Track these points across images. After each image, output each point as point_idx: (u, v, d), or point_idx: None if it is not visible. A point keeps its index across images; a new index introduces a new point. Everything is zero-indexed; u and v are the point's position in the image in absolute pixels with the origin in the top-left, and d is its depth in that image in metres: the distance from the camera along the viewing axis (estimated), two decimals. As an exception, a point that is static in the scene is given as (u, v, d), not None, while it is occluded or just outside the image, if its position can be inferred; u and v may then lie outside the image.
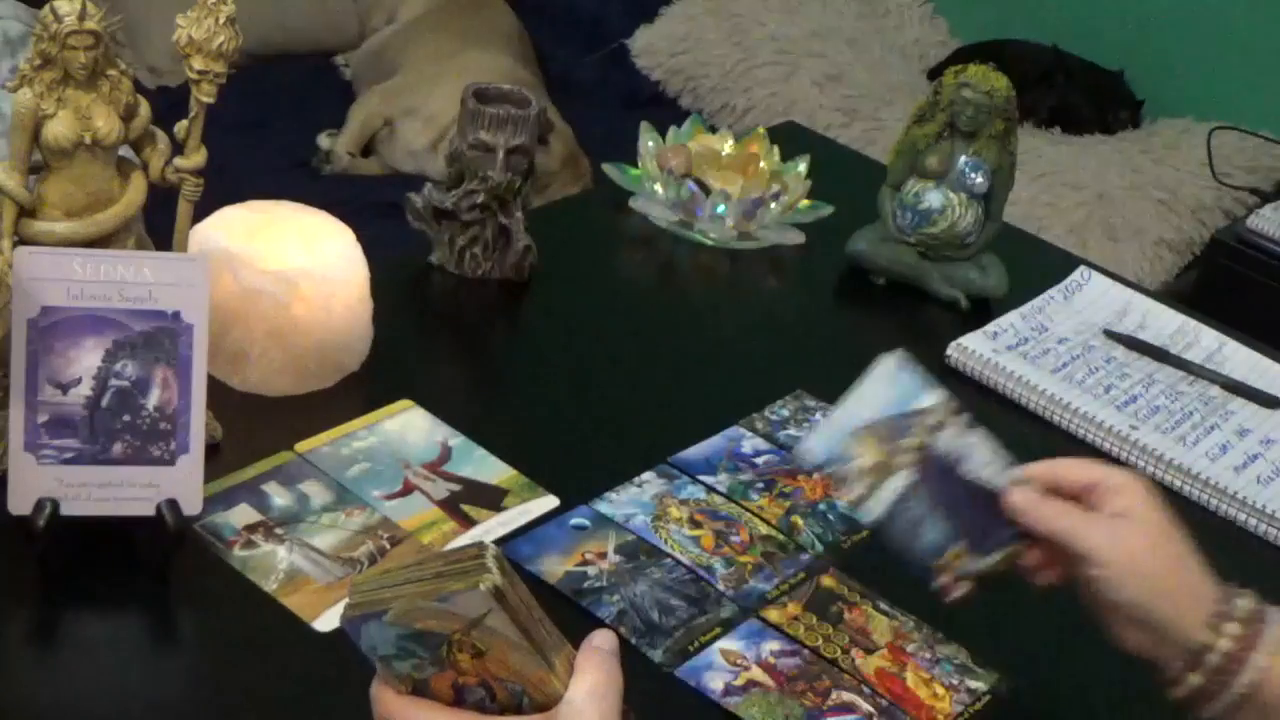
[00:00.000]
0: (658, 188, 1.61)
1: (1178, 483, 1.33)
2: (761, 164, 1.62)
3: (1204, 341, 1.54)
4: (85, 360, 0.99)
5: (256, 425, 1.18)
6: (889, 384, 1.00)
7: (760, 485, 1.23)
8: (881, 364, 1.00)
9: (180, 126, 1.05)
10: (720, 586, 1.12)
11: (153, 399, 1.01)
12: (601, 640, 0.82)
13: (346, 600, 0.81)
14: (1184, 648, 0.91)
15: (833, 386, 1.37)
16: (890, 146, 1.57)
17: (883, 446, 0.98)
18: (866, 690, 1.05)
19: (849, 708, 1.03)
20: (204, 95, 1.03)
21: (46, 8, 0.99)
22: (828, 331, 1.55)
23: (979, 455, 0.99)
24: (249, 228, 1.22)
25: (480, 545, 0.79)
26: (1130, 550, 0.92)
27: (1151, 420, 1.38)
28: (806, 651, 1.07)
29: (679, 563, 1.13)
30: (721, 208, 1.57)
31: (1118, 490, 0.95)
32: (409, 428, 1.22)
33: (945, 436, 0.99)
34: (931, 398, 0.99)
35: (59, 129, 1.00)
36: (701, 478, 1.22)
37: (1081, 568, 0.94)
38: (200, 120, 1.04)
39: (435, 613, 0.77)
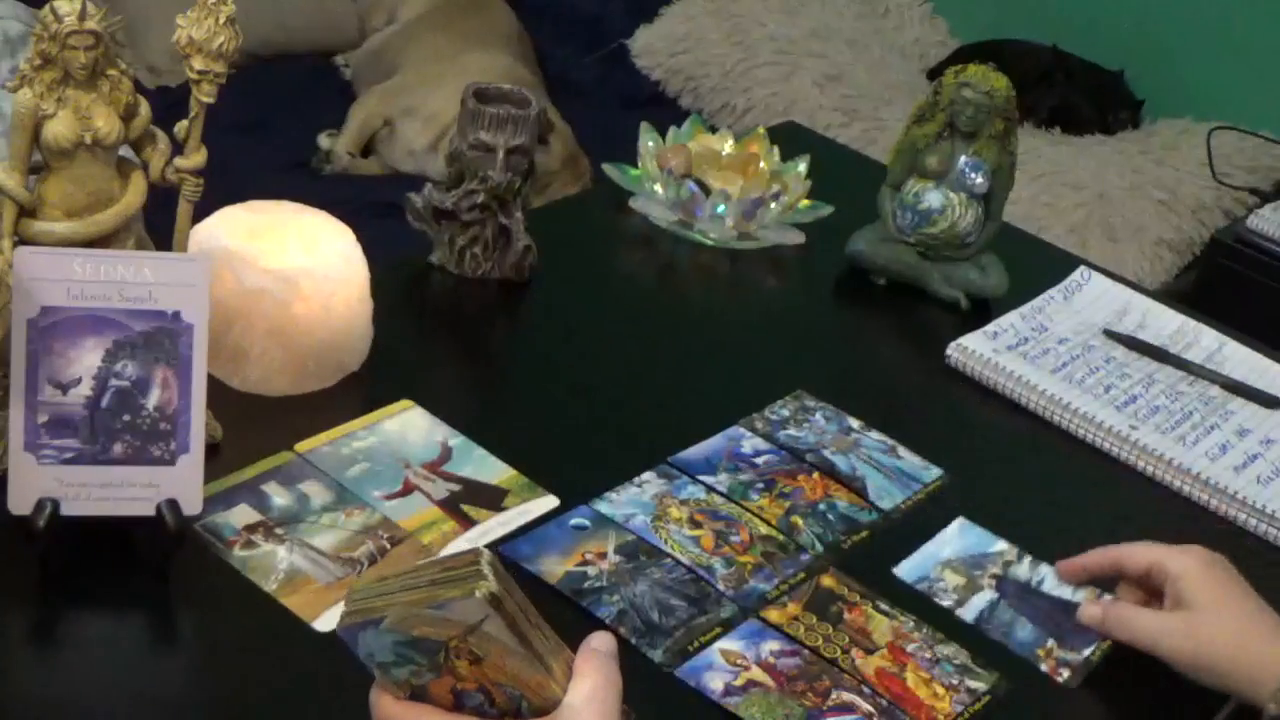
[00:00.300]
0: (658, 188, 1.61)
1: (1177, 483, 1.33)
2: (761, 164, 1.62)
3: (1204, 341, 1.54)
4: (85, 360, 0.99)
5: (256, 425, 1.18)
6: (961, 535, 1.21)
7: (760, 485, 1.23)
8: (954, 523, 1.22)
9: (180, 126, 1.05)
10: (720, 586, 1.12)
11: (153, 399, 1.01)
12: (599, 642, 0.82)
13: (343, 608, 0.81)
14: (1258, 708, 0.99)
15: (833, 386, 1.37)
16: (890, 146, 1.57)
17: (967, 572, 1.17)
18: (866, 690, 1.05)
19: (849, 708, 1.03)
20: (204, 95, 1.03)
21: (46, 8, 0.99)
22: (828, 331, 1.55)
23: (1051, 579, 1.17)
24: (249, 228, 1.22)
25: (476, 551, 0.78)
26: (1196, 645, 1.01)
27: (1151, 420, 1.38)
28: (806, 651, 1.07)
29: (679, 563, 1.13)
30: (721, 208, 1.57)
31: (1178, 576, 1.04)
32: (409, 428, 1.22)
33: (1018, 568, 1.18)
34: (1002, 544, 1.21)
35: (59, 129, 1.00)
36: (701, 478, 1.22)
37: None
38: (200, 120, 1.04)
39: (432, 620, 0.77)
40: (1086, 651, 1.11)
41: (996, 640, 1.12)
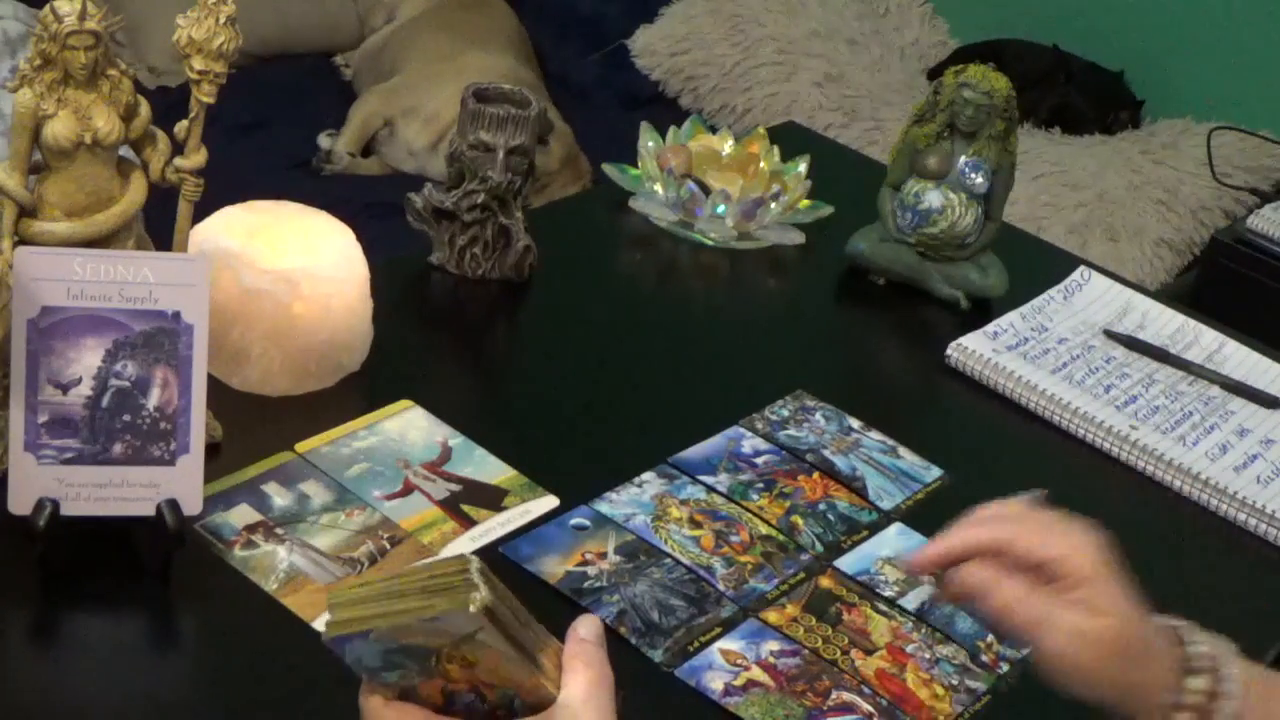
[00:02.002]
0: (658, 188, 1.61)
1: (1178, 483, 1.33)
2: (761, 164, 1.62)
3: (1204, 341, 1.54)
4: (85, 360, 0.99)
5: (256, 425, 1.18)
6: (899, 538, 1.18)
7: (760, 485, 1.23)
8: (892, 527, 1.20)
9: (180, 126, 1.05)
10: (720, 586, 1.12)
11: (153, 399, 1.01)
12: (586, 630, 0.80)
13: (326, 616, 0.80)
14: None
15: (833, 386, 1.37)
16: (890, 146, 1.57)
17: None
18: (866, 690, 1.05)
19: (849, 708, 1.03)
20: (204, 95, 1.03)
21: (46, 8, 0.99)
22: (828, 331, 1.55)
23: None
24: (249, 228, 1.22)
25: (463, 558, 0.77)
26: (1088, 659, 0.86)
27: (1151, 420, 1.38)
28: (806, 652, 1.07)
29: (679, 563, 1.13)
30: (721, 208, 1.57)
31: (1078, 582, 0.87)
32: (409, 428, 1.22)
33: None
34: None
35: (59, 129, 1.00)
36: (701, 478, 1.22)
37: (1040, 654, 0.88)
38: (200, 120, 1.04)
39: (423, 630, 0.77)
40: (1025, 651, 1.07)
41: (939, 629, 1.11)
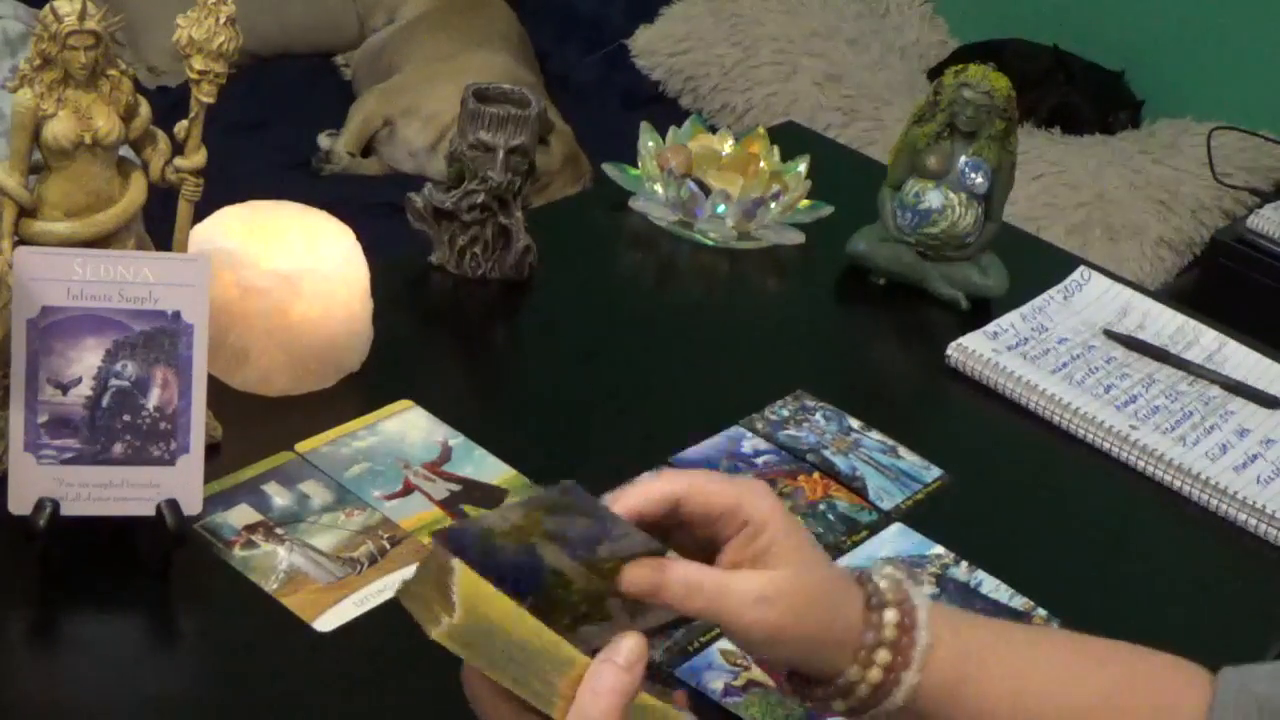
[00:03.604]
0: (658, 188, 1.61)
1: (1178, 483, 1.33)
2: (761, 164, 1.62)
3: (1204, 341, 1.54)
4: (85, 360, 0.99)
5: (256, 425, 1.18)
6: (899, 538, 1.19)
7: (760, 485, 1.22)
8: (892, 527, 1.19)
9: (180, 126, 1.05)
10: (720, 586, 1.11)
11: (153, 399, 1.01)
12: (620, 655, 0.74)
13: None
14: (834, 683, 0.81)
15: (833, 386, 1.37)
16: (890, 146, 1.57)
17: (907, 570, 1.16)
18: (866, 690, 1.05)
19: (849, 708, 1.03)
20: (204, 95, 1.03)
21: (46, 8, 0.99)
22: (828, 331, 1.55)
23: (989, 581, 1.16)
24: (249, 228, 1.22)
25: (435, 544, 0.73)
26: (777, 616, 0.78)
27: (1151, 420, 1.38)
28: (806, 651, 1.07)
29: (679, 563, 1.13)
30: (721, 208, 1.57)
31: (760, 527, 0.79)
32: (409, 428, 1.22)
33: (956, 570, 1.16)
34: (938, 548, 1.18)
35: (59, 129, 1.00)
36: (701, 478, 1.22)
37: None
38: (200, 120, 1.04)
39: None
40: None
41: None
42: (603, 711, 0.71)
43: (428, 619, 0.71)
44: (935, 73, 3.02)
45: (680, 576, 0.78)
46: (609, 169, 1.65)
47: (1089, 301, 1.58)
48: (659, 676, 0.94)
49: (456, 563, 0.71)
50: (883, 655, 0.80)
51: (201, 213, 1.15)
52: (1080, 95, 3.10)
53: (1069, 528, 1.27)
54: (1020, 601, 1.14)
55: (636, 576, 0.78)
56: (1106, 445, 1.36)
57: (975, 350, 1.44)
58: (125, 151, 1.06)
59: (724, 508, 0.80)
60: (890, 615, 0.81)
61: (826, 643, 0.80)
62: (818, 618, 0.79)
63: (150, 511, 1.01)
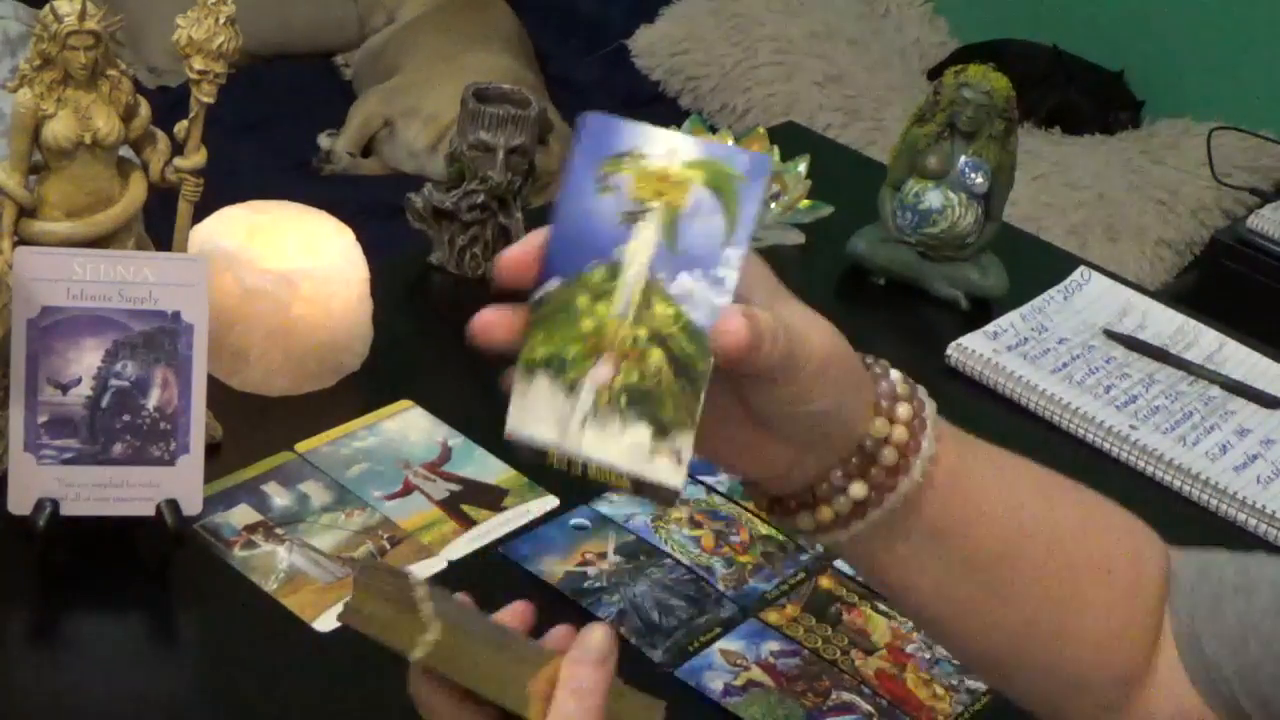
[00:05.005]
0: (658, 188, 1.61)
1: (1178, 483, 1.33)
2: (761, 164, 1.62)
3: (1204, 341, 1.54)
4: (85, 360, 0.99)
5: (256, 425, 1.18)
6: None
7: (760, 485, 1.23)
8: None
9: (180, 126, 1.05)
10: (720, 587, 1.12)
11: (153, 399, 1.01)
12: (585, 649, 0.71)
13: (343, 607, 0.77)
14: (850, 451, 0.71)
15: (833, 386, 1.37)
16: (890, 146, 1.57)
17: None
18: (866, 691, 1.05)
19: (849, 708, 1.03)
20: (204, 95, 1.03)
21: (46, 8, 0.99)
22: (828, 331, 1.54)
23: None
24: (249, 228, 1.22)
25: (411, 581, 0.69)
26: (835, 347, 0.71)
27: (1151, 420, 1.38)
28: (806, 652, 1.07)
29: (679, 563, 1.13)
30: (721, 208, 1.57)
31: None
32: (409, 428, 1.22)
33: None
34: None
35: (59, 129, 1.00)
36: (701, 478, 1.22)
37: (759, 385, 0.68)
38: (200, 120, 1.04)
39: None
40: None
41: None
42: (583, 709, 0.70)
43: (399, 640, 0.69)
44: (935, 73, 3.02)
45: (765, 318, 0.66)
46: (609, 169, 1.65)
47: (1089, 301, 1.58)
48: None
49: (419, 579, 0.70)
50: (904, 410, 0.73)
51: (201, 213, 1.15)
52: (1080, 95, 3.10)
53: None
54: None
55: (735, 325, 0.64)
56: (1106, 445, 1.36)
57: (975, 350, 1.44)
58: (125, 151, 1.06)
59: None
60: (895, 372, 0.75)
61: (861, 385, 0.72)
62: (846, 374, 0.71)
63: (150, 512, 1.01)
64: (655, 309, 0.65)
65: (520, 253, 0.68)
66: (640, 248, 0.66)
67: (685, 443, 0.65)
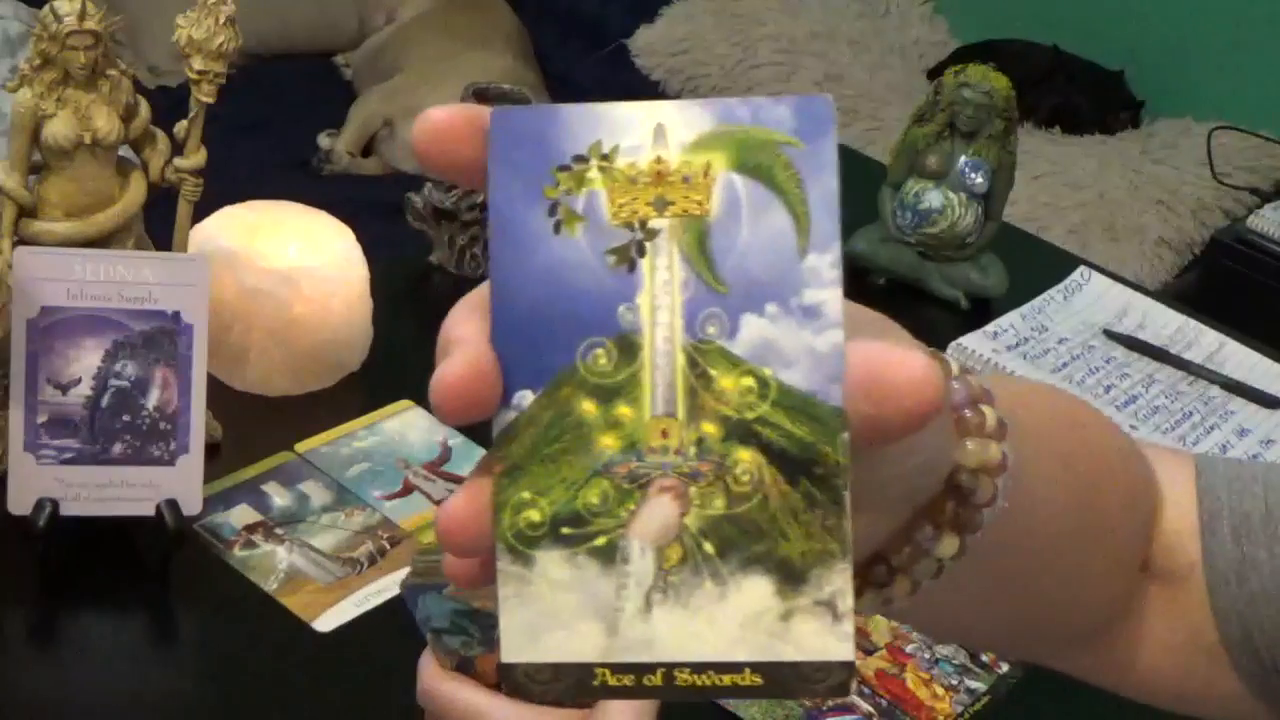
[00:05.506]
0: (658, 188, 1.61)
1: (1178, 483, 1.33)
2: (761, 164, 1.62)
3: (1204, 341, 1.54)
4: (85, 360, 0.99)
5: (256, 425, 1.18)
6: None
7: (760, 485, 1.22)
8: None
9: (180, 126, 1.05)
10: (720, 586, 1.11)
11: (153, 399, 1.01)
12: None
13: (409, 568, 0.78)
14: (941, 496, 0.49)
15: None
16: (890, 146, 1.57)
17: None
18: (866, 690, 1.05)
19: (848, 708, 1.03)
20: (204, 95, 1.03)
21: (46, 8, 0.99)
22: (828, 331, 1.54)
23: None
24: (249, 228, 1.22)
25: None
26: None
27: (1151, 420, 1.38)
28: (806, 651, 1.07)
29: (679, 563, 1.13)
30: (721, 208, 1.57)
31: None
32: (409, 428, 1.22)
33: None
34: None
35: (59, 129, 1.00)
36: (701, 478, 1.22)
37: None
38: (200, 120, 1.04)
39: (493, 595, 0.73)
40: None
41: None
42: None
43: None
44: (935, 73, 3.02)
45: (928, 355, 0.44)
46: (609, 169, 1.65)
47: (1089, 301, 1.58)
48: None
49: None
50: (990, 415, 0.50)
51: (201, 213, 1.15)
52: (1080, 95, 3.10)
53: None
54: None
55: (923, 372, 0.40)
56: (1106, 445, 1.36)
57: (975, 350, 1.44)
58: (125, 151, 1.06)
59: None
60: (955, 366, 0.51)
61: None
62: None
63: (150, 512, 1.01)
64: (721, 384, 0.40)
65: (460, 369, 0.43)
66: (658, 296, 0.41)
67: (840, 584, 0.40)
